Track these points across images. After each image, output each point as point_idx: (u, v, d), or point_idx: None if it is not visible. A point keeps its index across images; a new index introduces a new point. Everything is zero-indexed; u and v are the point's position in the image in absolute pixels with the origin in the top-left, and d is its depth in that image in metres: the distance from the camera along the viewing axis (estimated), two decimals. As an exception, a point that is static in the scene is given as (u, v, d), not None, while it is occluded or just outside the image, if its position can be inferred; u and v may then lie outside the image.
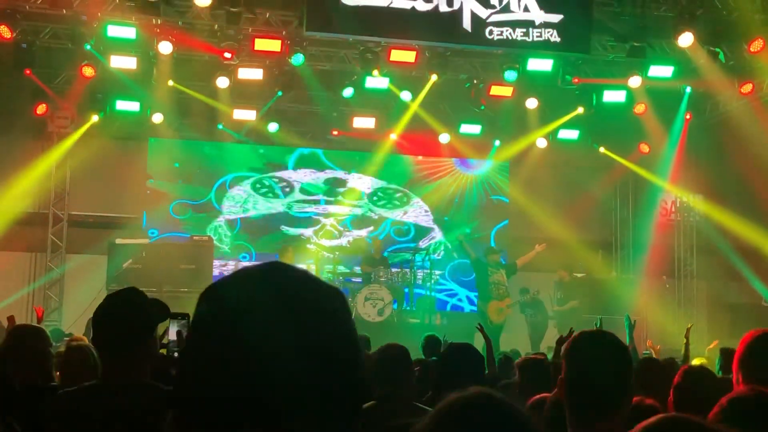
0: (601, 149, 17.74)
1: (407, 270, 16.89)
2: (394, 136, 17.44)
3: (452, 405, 1.57)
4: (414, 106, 16.35)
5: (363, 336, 9.29)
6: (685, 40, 13.28)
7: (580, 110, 16.04)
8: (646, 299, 17.25)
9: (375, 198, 18.52)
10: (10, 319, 8.96)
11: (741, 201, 16.23)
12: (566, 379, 2.95)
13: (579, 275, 16.78)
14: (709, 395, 3.26)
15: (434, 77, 14.98)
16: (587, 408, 2.83)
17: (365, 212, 18.43)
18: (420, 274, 17.08)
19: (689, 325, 8.68)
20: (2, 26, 13.21)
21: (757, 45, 13.11)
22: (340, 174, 18.43)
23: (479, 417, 1.53)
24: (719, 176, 17.10)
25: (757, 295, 17.32)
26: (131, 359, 3.21)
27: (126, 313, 3.24)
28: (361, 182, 18.45)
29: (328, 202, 18.30)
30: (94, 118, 16.05)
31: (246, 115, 16.46)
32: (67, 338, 8.63)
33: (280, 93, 15.69)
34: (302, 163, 18.22)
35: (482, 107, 16.15)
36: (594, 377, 2.90)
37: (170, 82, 14.96)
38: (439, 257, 18.29)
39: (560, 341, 6.94)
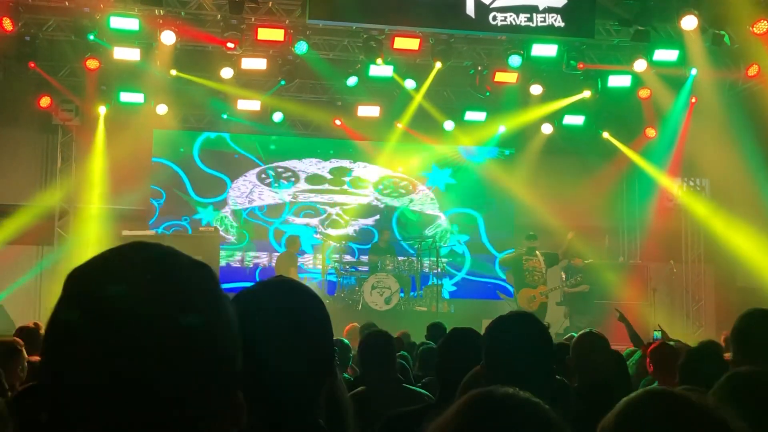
0: (605, 135, 17.68)
1: (414, 258, 16.90)
2: (399, 125, 17.41)
3: (473, 402, 1.55)
4: (419, 95, 16.32)
5: (369, 323, 9.30)
6: (689, 23, 13.21)
7: (587, 94, 15.96)
8: (654, 284, 17.21)
9: (381, 187, 18.50)
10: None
11: (747, 184, 16.16)
12: (485, 357, 2.98)
13: (588, 261, 16.75)
14: (714, 374, 3.25)
15: (438, 64, 14.93)
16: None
17: (371, 201, 18.42)
18: (426, 262, 17.08)
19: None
20: (5, 19, 13.21)
21: (762, 26, 13.02)
22: (345, 163, 18.41)
23: (504, 417, 1.52)
24: (726, 160, 17.02)
25: (765, 278, 17.28)
26: None
27: None
28: (367, 171, 18.44)
29: (333, 192, 18.29)
30: (101, 110, 16.07)
31: (250, 105, 16.44)
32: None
33: (282, 82, 15.66)
34: (307, 152, 18.21)
35: (487, 93, 16.10)
36: (512, 356, 2.91)
37: (173, 72, 14.92)
38: (446, 245, 18.26)
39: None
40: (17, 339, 5.89)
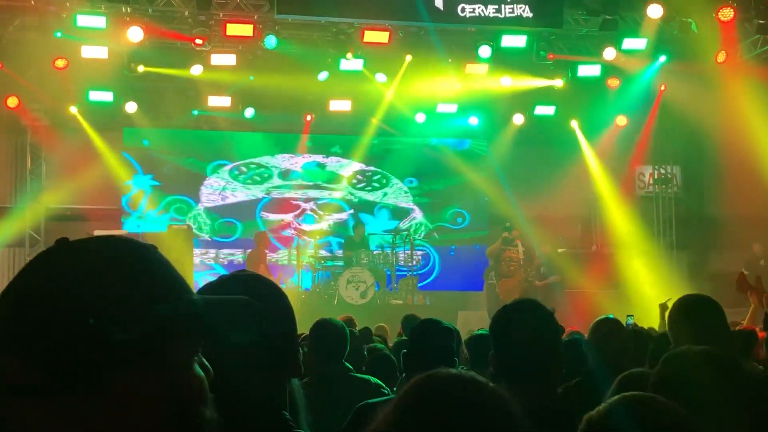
0: (573, 124, 17.77)
1: (388, 252, 16.91)
2: (373, 120, 17.41)
3: (416, 388, 1.55)
4: (391, 96, 16.32)
5: (348, 316, 9.30)
6: (655, 11, 13.30)
7: (558, 83, 16.02)
8: (627, 272, 17.32)
9: (354, 181, 18.49)
10: None
11: (717, 171, 16.32)
12: (494, 346, 2.97)
13: (560, 250, 16.83)
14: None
15: (409, 57, 14.92)
16: (517, 377, 2.81)
17: (345, 195, 18.40)
18: (401, 255, 17.09)
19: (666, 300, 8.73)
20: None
21: (727, 13, 13.13)
22: (318, 158, 18.39)
23: (446, 399, 1.51)
24: (695, 147, 17.17)
25: (737, 263, 17.44)
26: None
27: None
28: (340, 165, 18.42)
29: (307, 187, 18.26)
30: (73, 110, 15.94)
31: (221, 101, 16.36)
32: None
33: (251, 77, 15.60)
34: (280, 148, 18.16)
35: (458, 84, 16.13)
36: (524, 346, 2.90)
37: (141, 68, 14.78)
38: (420, 237, 18.29)
39: (663, 307, 7.19)
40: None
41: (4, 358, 1.09)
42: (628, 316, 10.43)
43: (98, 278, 1.13)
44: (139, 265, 1.19)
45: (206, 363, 1.21)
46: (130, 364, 1.10)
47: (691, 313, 3.93)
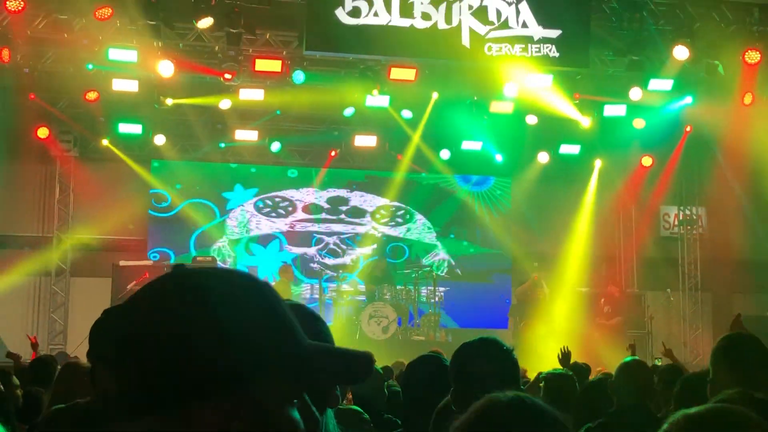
0: (597, 163, 17.78)
1: (411, 288, 16.90)
2: (398, 156, 17.52)
3: (489, 406, 1.64)
4: (417, 132, 16.46)
5: (367, 352, 9.28)
6: (681, 53, 13.34)
7: (586, 123, 16.04)
8: (651, 312, 17.24)
9: (378, 216, 18.54)
10: (15, 356, 9.01)
11: (743, 214, 16.24)
12: (453, 383, 3.06)
13: (583, 289, 16.76)
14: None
15: (435, 95, 15.04)
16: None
17: (368, 230, 18.45)
18: (424, 291, 17.08)
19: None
20: (3, 49, 13.22)
21: (754, 56, 13.15)
22: (342, 192, 18.47)
23: (517, 419, 1.60)
24: (721, 189, 17.11)
25: (762, 306, 17.30)
26: None
27: None
28: (364, 200, 18.49)
29: (330, 221, 18.33)
30: (104, 142, 16.17)
31: (248, 135, 16.54)
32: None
33: (278, 112, 15.78)
34: (305, 182, 18.26)
35: (483, 120, 16.21)
36: (479, 380, 2.97)
37: (169, 101, 14.98)
38: (443, 274, 18.28)
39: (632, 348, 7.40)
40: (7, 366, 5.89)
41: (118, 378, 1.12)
42: (656, 359, 10.38)
43: (221, 316, 1.13)
44: (261, 303, 1.18)
45: (314, 409, 1.20)
46: (225, 394, 1.10)
47: (730, 352, 3.70)
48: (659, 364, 9.57)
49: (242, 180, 17.96)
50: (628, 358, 5.13)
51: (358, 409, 5.12)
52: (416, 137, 16.84)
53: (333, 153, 17.56)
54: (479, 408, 1.65)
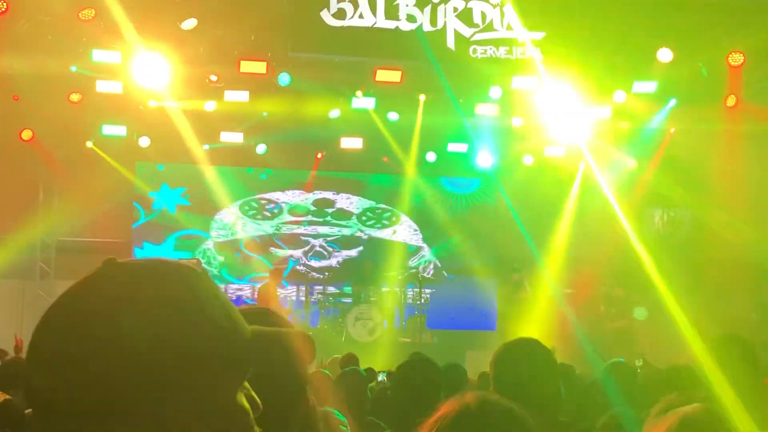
0: (582, 165, 17.82)
1: (397, 290, 16.91)
2: (384, 159, 17.53)
3: (451, 411, 1.62)
4: (403, 135, 16.45)
5: (350, 354, 9.29)
6: (665, 55, 13.39)
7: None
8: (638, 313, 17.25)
9: (364, 218, 18.55)
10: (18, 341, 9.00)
11: (729, 214, 16.28)
12: (494, 384, 3.03)
13: (567, 291, 16.78)
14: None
15: (423, 97, 15.04)
16: None
17: (354, 232, 18.45)
18: (410, 293, 17.09)
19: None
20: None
21: (737, 58, 13.22)
22: (328, 195, 18.46)
23: (480, 420, 1.59)
24: (705, 191, 17.15)
25: (749, 307, 17.35)
26: None
27: None
28: (350, 202, 18.49)
29: (316, 223, 18.32)
30: (89, 144, 16.09)
31: (233, 137, 16.50)
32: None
33: (264, 113, 15.76)
34: (291, 184, 18.25)
35: (466, 124, 16.23)
36: (521, 383, 2.96)
37: (152, 102, 14.94)
38: (429, 275, 18.29)
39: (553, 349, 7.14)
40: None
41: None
42: (637, 359, 10.42)
43: (150, 308, 1.09)
44: (189, 292, 1.14)
45: (254, 396, 1.18)
46: (175, 393, 1.07)
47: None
48: (639, 364, 9.61)
49: (227, 182, 17.90)
50: (611, 361, 5.14)
51: (333, 411, 5.10)
52: (401, 139, 16.84)
53: (319, 155, 17.55)
54: (448, 413, 1.63)
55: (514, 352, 3.11)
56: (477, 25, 13.21)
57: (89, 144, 16.19)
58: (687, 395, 2.93)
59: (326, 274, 17.62)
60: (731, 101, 14.84)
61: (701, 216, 17.74)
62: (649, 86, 14.70)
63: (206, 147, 16.86)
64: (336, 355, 10.41)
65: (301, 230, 18.23)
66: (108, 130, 15.93)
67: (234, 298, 17.38)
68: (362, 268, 17.36)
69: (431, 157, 17.54)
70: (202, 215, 17.65)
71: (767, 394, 4.00)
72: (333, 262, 18.19)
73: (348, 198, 18.50)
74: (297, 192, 18.31)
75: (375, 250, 18.39)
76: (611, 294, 16.79)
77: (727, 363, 3.69)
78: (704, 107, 15.57)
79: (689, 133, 16.27)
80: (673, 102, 15.47)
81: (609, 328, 16.16)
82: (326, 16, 12.78)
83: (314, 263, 18.01)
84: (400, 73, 14.29)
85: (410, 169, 18.00)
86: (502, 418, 1.60)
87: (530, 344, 3.21)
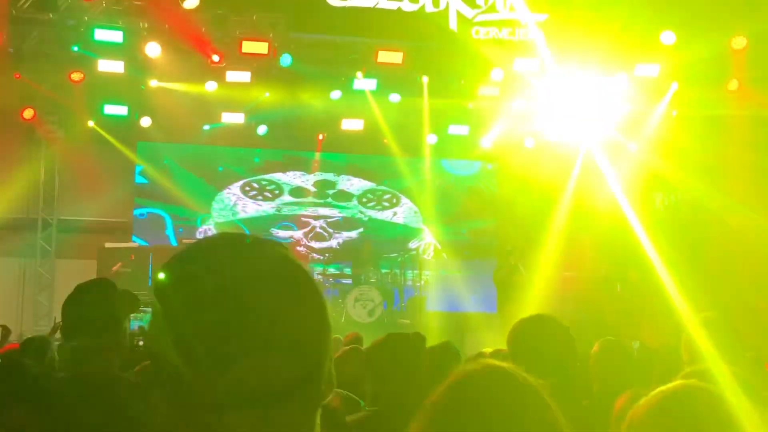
0: (582, 149, 17.81)
1: (397, 271, 16.93)
2: (384, 141, 17.51)
3: (462, 377, 1.62)
4: (404, 116, 16.40)
5: (355, 333, 9.32)
6: (668, 38, 13.35)
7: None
8: (637, 297, 17.28)
9: (364, 200, 18.55)
10: (4, 328, 9.01)
11: (732, 197, 16.27)
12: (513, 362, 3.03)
13: (567, 274, 16.80)
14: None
15: (426, 79, 14.99)
16: None
17: (355, 214, 18.46)
18: (410, 274, 17.11)
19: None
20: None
21: (739, 42, 13.18)
22: (329, 176, 18.46)
23: (490, 386, 1.59)
24: (706, 174, 17.13)
25: (750, 291, 17.36)
26: (98, 349, 3.17)
27: (93, 301, 3.22)
28: (350, 184, 18.49)
29: (317, 205, 18.32)
30: (90, 123, 16.08)
31: (234, 117, 16.48)
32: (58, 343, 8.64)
33: (267, 93, 15.73)
34: (291, 165, 18.24)
35: (468, 105, 16.21)
36: (535, 356, 2.96)
37: (153, 82, 14.90)
38: (429, 257, 18.31)
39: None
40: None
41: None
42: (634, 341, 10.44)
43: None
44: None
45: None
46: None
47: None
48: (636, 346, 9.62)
49: (228, 163, 17.91)
50: (603, 340, 5.12)
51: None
52: (403, 121, 16.82)
53: (320, 137, 17.53)
54: (452, 380, 1.64)
55: (531, 328, 3.09)
56: (479, 7, 13.17)
57: (90, 123, 16.16)
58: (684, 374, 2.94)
59: (327, 255, 17.63)
60: (733, 85, 14.82)
61: (702, 200, 17.73)
62: (652, 69, 14.67)
63: (207, 127, 16.86)
64: (337, 335, 10.44)
65: (301, 211, 18.23)
66: (109, 109, 15.91)
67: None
68: (362, 250, 17.37)
69: (432, 139, 17.53)
70: (202, 196, 17.62)
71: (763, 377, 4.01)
72: (333, 243, 18.20)
73: (349, 179, 18.50)
74: (298, 173, 18.30)
75: (375, 231, 18.41)
76: (612, 276, 16.82)
77: (724, 344, 3.67)
78: (706, 91, 15.55)
79: (691, 116, 16.25)
80: (675, 86, 15.44)
81: (611, 310, 16.18)
82: (328, -4, 12.74)
83: (315, 244, 18.03)
84: (401, 54, 14.26)
85: (411, 151, 17.99)
86: (510, 384, 1.60)
87: (548, 321, 3.19)
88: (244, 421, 1.20)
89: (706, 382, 2.29)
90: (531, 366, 2.90)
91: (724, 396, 1.85)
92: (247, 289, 1.23)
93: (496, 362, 1.68)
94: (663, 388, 1.77)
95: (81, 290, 3.28)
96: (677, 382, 1.79)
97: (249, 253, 1.29)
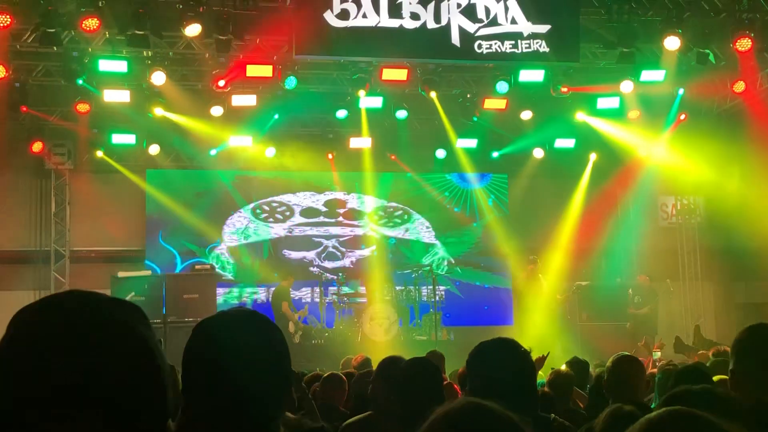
0: (592, 156, 17.78)
1: (411, 288, 16.88)
2: (392, 157, 17.54)
3: (443, 418, 1.61)
4: (412, 132, 16.41)
5: (363, 356, 9.28)
6: (672, 43, 13.30)
7: (580, 116, 16.08)
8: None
9: (376, 217, 18.53)
10: None
11: (740, 202, 16.20)
12: (469, 384, 3.05)
13: (584, 283, 16.74)
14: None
15: (433, 94, 14.99)
16: None
17: (366, 232, 18.43)
18: (424, 290, 17.06)
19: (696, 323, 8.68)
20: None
21: (744, 43, 13.10)
22: (339, 195, 18.44)
23: (472, 427, 1.58)
24: (718, 177, 17.07)
25: (764, 294, 17.28)
26: None
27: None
28: (361, 202, 18.47)
29: (329, 224, 18.31)
30: (99, 154, 16.15)
31: (242, 141, 16.51)
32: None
33: (276, 115, 15.76)
34: (301, 186, 18.24)
35: (474, 119, 16.19)
36: (495, 381, 2.98)
37: (158, 110, 14.92)
38: (443, 272, 18.26)
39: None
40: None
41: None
42: (654, 351, 10.37)
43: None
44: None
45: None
46: None
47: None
48: (657, 357, 9.56)
49: (238, 187, 17.91)
50: (618, 355, 5.06)
51: None
52: (410, 137, 16.85)
53: (330, 156, 17.53)
54: (433, 419, 1.63)
55: (485, 353, 3.16)
56: (481, 21, 13.13)
57: (99, 153, 16.23)
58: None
59: (340, 274, 17.58)
60: (739, 87, 14.75)
61: (714, 203, 17.66)
62: (658, 74, 14.62)
63: (214, 152, 16.86)
64: (349, 356, 10.40)
65: (313, 231, 18.22)
66: (117, 138, 15.99)
67: (250, 302, 17.38)
68: (376, 268, 17.34)
69: (441, 153, 17.53)
70: (213, 221, 17.61)
71: None
72: (346, 262, 18.17)
73: (359, 198, 18.48)
74: (308, 194, 18.29)
75: (388, 248, 18.37)
76: (633, 283, 16.78)
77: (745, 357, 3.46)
78: (713, 93, 15.50)
79: (700, 119, 16.21)
80: (681, 90, 15.42)
81: (631, 316, 16.14)
82: (330, 18, 12.72)
83: (328, 264, 17.99)
84: (406, 71, 14.27)
85: (420, 166, 17.99)
86: (492, 422, 1.60)
87: (502, 344, 3.25)
88: None
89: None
90: (486, 389, 2.92)
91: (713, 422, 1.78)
92: None
93: (477, 399, 1.67)
94: (650, 415, 1.71)
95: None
96: (663, 410, 1.74)
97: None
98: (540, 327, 14.86)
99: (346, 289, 17.16)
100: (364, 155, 17.43)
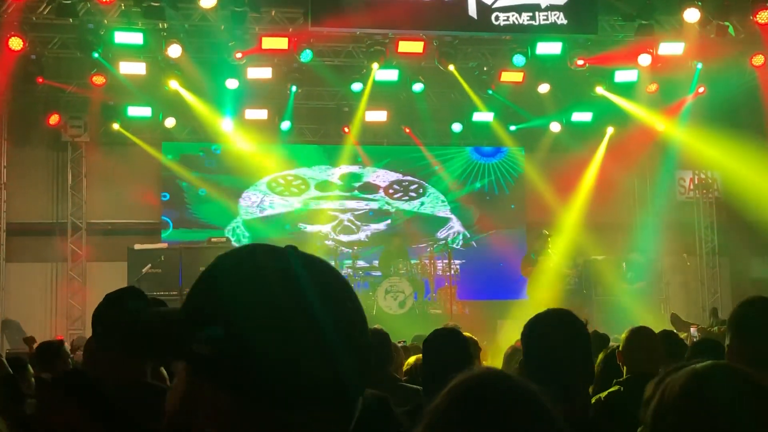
0: (609, 130, 17.66)
1: (426, 261, 16.89)
2: (407, 130, 17.48)
3: (462, 385, 1.60)
4: (428, 105, 16.31)
5: (380, 329, 9.27)
6: (692, 15, 13.15)
7: (600, 90, 15.92)
8: (668, 278, 17.16)
9: (391, 191, 18.50)
10: (30, 339, 9.08)
11: (758, 176, 16.08)
12: (526, 361, 2.97)
13: (600, 257, 16.67)
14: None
15: (452, 67, 14.88)
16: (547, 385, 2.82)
17: (382, 206, 18.41)
18: (440, 264, 17.05)
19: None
20: (14, 38, 13.21)
21: (764, 16, 12.94)
22: (355, 168, 18.41)
23: (490, 395, 1.55)
24: (736, 151, 16.93)
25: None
26: (130, 358, 3.17)
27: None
28: (377, 176, 18.44)
29: (344, 198, 18.30)
30: (115, 126, 16.16)
31: (258, 114, 16.49)
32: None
33: (293, 88, 15.69)
34: (317, 159, 18.22)
35: (489, 91, 16.08)
36: (556, 359, 2.90)
37: (171, 83, 14.88)
38: (458, 246, 18.24)
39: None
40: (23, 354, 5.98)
41: None
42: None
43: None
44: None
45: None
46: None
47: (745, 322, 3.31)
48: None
49: (253, 160, 17.88)
50: (634, 328, 5.05)
51: None
52: (426, 110, 16.78)
53: (345, 129, 17.48)
54: (452, 389, 1.61)
55: (544, 326, 3.03)
56: (499, -8, 13.04)
57: (116, 126, 16.24)
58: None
59: (355, 248, 17.59)
60: (758, 60, 14.60)
61: (732, 178, 17.54)
62: (677, 47, 14.47)
63: (230, 126, 16.82)
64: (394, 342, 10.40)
65: (328, 205, 18.21)
66: (133, 111, 15.99)
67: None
68: (391, 241, 17.33)
69: (457, 127, 17.46)
70: (229, 194, 17.63)
71: None
72: (362, 236, 18.17)
73: (375, 171, 18.45)
74: (323, 167, 18.27)
75: (403, 222, 18.36)
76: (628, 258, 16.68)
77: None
78: (733, 66, 15.34)
79: (718, 93, 16.04)
80: (700, 63, 15.25)
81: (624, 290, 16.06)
82: (346, -11, 12.68)
83: (343, 238, 18.00)
84: (422, 43, 14.18)
85: (436, 139, 17.94)
86: (510, 390, 1.58)
87: (562, 316, 3.11)
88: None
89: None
90: (543, 369, 2.86)
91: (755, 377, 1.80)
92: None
93: (495, 368, 1.67)
94: (695, 366, 1.74)
95: (110, 300, 3.27)
96: (709, 362, 1.75)
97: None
98: (552, 302, 14.82)
99: (361, 263, 17.18)
100: (379, 128, 17.37)
